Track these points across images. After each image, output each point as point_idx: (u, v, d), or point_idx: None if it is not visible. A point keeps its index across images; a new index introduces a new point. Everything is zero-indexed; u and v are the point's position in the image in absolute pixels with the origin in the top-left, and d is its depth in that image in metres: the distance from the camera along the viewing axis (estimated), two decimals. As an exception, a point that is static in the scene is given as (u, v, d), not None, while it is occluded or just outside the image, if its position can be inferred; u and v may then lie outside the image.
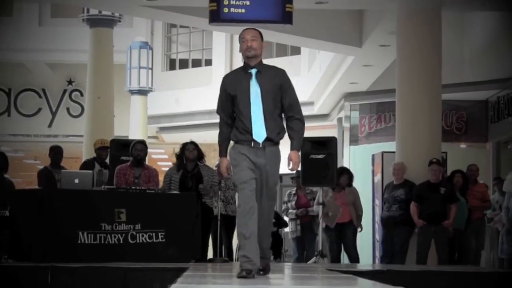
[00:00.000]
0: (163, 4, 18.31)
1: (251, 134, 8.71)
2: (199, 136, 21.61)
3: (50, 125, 30.60)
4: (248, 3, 14.00)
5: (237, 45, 12.72)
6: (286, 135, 9.47)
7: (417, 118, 16.48)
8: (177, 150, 15.43)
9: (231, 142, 9.09)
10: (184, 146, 15.11)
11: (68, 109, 30.78)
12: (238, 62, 27.96)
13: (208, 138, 25.12)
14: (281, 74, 8.91)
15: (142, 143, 16.03)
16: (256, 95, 8.65)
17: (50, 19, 29.86)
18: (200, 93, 28.90)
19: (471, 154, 22.64)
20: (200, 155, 15.11)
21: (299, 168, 14.36)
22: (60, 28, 29.36)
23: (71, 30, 28.14)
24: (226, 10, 14.30)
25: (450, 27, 19.40)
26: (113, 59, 26.59)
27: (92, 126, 24.50)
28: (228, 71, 28.47)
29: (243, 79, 8.82)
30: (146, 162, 15.90)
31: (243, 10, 14.00)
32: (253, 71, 8.79)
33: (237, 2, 14.08)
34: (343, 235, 16.33)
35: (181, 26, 29.56)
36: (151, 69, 29.26)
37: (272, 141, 8.82)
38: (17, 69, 30.40)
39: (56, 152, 15.78)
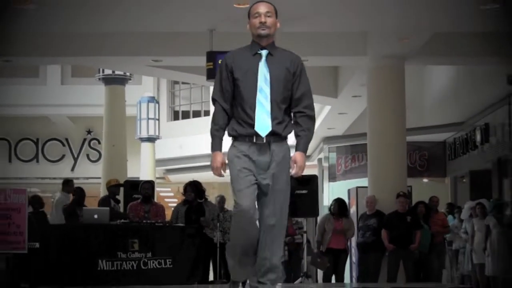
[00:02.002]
0: (167, 64, 18.36)
1: (253, 127, 6.32)
2: (201, 176, 21.50)
3: (72, 169, 30.61)
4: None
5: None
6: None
7: (386, 158, 16.56)
8: (181, 189, 15.50)
9: (229, 140, 6.67)
10: (184, 189, 15.18)
11: (87, 155, 30.79)
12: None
13: (209, 178, 25.10)
14: (296, 59, 6.49)
15: (149, 183, 16.15)
16: (265, 81, 6.32)
17: (71, 78, 29.92)
18: (200, 140, 28.87)
19: (432, 187, 22.66)
20: (201, 193, 15.15)
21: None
22: (79, 86, 29.42)
23: (89, 87, 28.20)
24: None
25: (412, 79, 19.48)
26: (125, 112, 26.68)
27: (108, 169, 24.54)
28: (223, 121, 28.70)
29: (251, 60, 6.42)
30: (155, 199, 15.93)
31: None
32: (264, 52, 6.41)
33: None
34: (338, 259, 16.25)
35: (183, 83, 29.65)
36: (158, 119, 29.34)
37: (279, 135, 6.39)
38: (43, 121, 30.42)
39: (79, 193, 15.82)
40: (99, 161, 28.35)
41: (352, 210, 19.50)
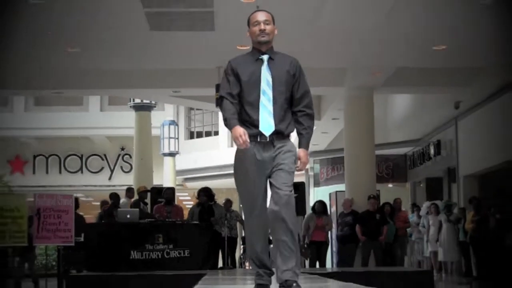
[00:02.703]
0: (184, 94, 18.38)
1: (257, 127, 5.58)
2: (211, 183, 21.52)
3: (109, 179, 30.57)
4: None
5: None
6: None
7: (359, 168, 16.59)
8: (196, 194, 15.56)
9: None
10: (198, 193, 15.23)
11: (121, 167, 30.74)
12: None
13: (218, 185, 25.18)
14: (294, 62, 5.80)
15: (171, 189, 16.25)
16: (267, 83, 5.62)
17: (108, 106, 29.92)
18: (211, 154, 29.02)
19: (395, 191, 22.65)
20: (211, 197, 15.20)
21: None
22: (115, 112, 29.42)
23: (122, 113, 28.21)
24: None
25: (380, 105, 19.53)
26: (151, 132, 26.70)
27: (138, 179, 24.51)
28: (229, 140, 28.75)
29: (253, 65, 5.71)
30: (175, 202, 15.96)
31: (239, 98, 14.03)
32: (265, 57, 5.72)
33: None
34: (320, 249, 16.26)
35: (197, 109, 29.63)
36: (177, 138, 29.36)
37: (282, 134, 5.66)
38: (86, 141, 30.42)
39: (115, 198, 15.84)
40: (130, 172, 28.31)
41: (333, 209, 19.51)
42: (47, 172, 30.85)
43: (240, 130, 5.37)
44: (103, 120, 29.36)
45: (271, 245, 5.81)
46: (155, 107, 26.84)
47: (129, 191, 16.85)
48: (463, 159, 19.65)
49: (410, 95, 21.33)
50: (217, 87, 14.40)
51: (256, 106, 5.51)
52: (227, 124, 5.55)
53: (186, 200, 31.25)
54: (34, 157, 31.04)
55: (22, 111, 29.64)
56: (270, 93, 5.54)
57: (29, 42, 13.41)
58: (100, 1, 11.21)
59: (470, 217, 16.60)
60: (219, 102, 5.67)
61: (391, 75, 16.06)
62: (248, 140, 5.43)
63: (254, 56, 5.71)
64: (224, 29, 12.05)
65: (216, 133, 29.95)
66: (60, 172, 30.90)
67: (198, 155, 29.51)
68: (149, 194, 16.51)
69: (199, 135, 31.15)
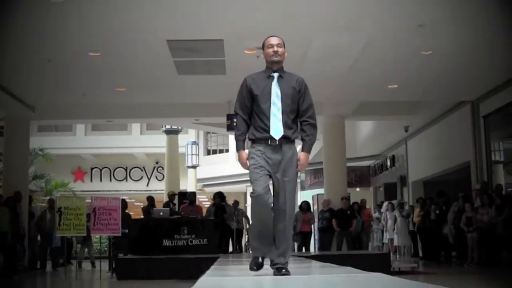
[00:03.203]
0: (203, 122, 18.42)
1: (269, 132, 5.22)
2: (223, 188, 21.58)
3: (147, 185, 30.56)
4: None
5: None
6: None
7: (333, 176, 16.56)
8: (212, 196, 15.59)
9: (249, 143, 5.47)
10: (213, 196, 15.25)
11: (156, 176, 30.73)
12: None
13: (228, 189, 25.20)
14: (300, 80, 5.42)
15: (193, 193, 16.27)
16: (277, 96, 5.26)
17: (146, 130, 29.94)
18: (223, 167, 29.04)
19: (362, 193, 22.62)
20: (223, 199, 15.24)
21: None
22: (151, 135, 29.43)
23: (157, 136, 28.22)
24: (235, 124, 14.32)
25: (350, 128, 19.56)
26: (178, 150, 26.71)
27: (168, 185, 24.50)
28: (237, 156, 28.77)
29: (265, 81, 5.36)
30: (196, 203, 15.98)
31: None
32: (275, 75, 5.37)
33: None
34: (306, 238, 16.26)
35: (213, 132, 29.70)
36: (198, 155, 29.36)
37: (288, 138, 5.26)
38: (130, 157, 30.43)
39: (151, 200, 15.86)
40: (163, 180, 28.33)
41: (315, 207, 19.51)
42: (100, 180, 30.84)
43: (244, 157, 5.16)
44: (143, 141, 29.39)
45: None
46: (181, 131, 26.88)
47: (149, 199, 16.71)
48: (411, 169, 19.69)
49: (372, 122, 21.42)
50: (228, 116, 14.46)
51: (268, 115, 5.16)
52: (236, 142, 5.28)
53: (204, 201, 31.26)
54: (91, 169, 31.04)
55: (82, 135, 29.71)
56: (279, 104, 5.17)
57: (87, 85, 13.49)
58: (139, 55, 11.28)
59: (417, 212, 16.64)
60: (235, 116, 5.34)
61: (357, 107, 16.11)
62: (248, 167, 5.19)
63: (266, 73, 5.34)
64: (233, 73, 12.08)
65: (227, 150, 30.00)
66: (110, 180, 30.88)
67: (213, 167, 29.54)
68: (176, 197, 16.54)
69: (214, 152, 31.17)
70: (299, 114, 5.30)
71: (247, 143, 5.28)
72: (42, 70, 12.03)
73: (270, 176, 5.14)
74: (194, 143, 29.39)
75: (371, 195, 23.92)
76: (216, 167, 29.49)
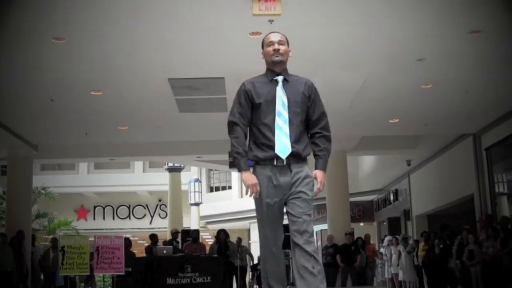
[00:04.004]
0: (205, 159, 18.41)
1: (273, 149, 4.08)
2: (226, 226, 21.51)
3: (150, 223, 30.44)
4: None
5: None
6: None
7: (337, 211, 16.49)
8: (215, 234, 15.46)
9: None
10: (217, 233, 15.13)
11: (159, 214, 30.66)
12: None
13: (231, 227, 25.10)
14: (309, 84, 4.36)
15: (196, 231, 16.13)
16: (283, 105, 4.14)
17: (149, 168, 29.94)
18: (226, 204, 28.93)
19: (366, 228, 22.53)
20: (226, 236, 15.13)
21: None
22: (154, 173, 29.43)
23: (159, 174, 28.20)
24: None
25: (352, 163, 19.53)
26: (181, 187, 26.68)
27: (172, 223, 24.36)
28: (239, 193, 28.69)
29: (268, 87, 4.23)
30: (200, 240, 15.87)
31: (246, 161, 13.95)
32: (279, 78, 4.25)
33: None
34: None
35: (215, 169, 29.66)
36: (201, 192, 29.30)
37: (298, 156, 4.13)
38: (133, 195, 30.42)
39: (154, 238, 15.76)
40: (166, 218, 28.24)
41: (319, 243, 19.41)
42: (104, 219, 30.76)
43: (251, 178, 4.04)
44: (145, 179, 29.40)
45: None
46: (183, 169, 26.86)
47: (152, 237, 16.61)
48: (415, 203, 19.60)
49: (374, 156, 21.39)
50: (230, 154, 14.43)
51: (271, 128, 4.11)
52: (236, 160, 4.11)
53: (208, 238, 31.09)
54: (94, 207, 31.00)
55: (85, 173, 29.72)
56: (285, 114, 4.14)
57: (90, 124, 13.52)
58: (140, 94, 11.33)
59: (422, 246, 16.48)
60: (229, 127, 4.20)
61: (359, 142, 16.11)
62: (259, 191, 4.07)
63: (268, 77, 4.28)
64: (234, 111, 12.10)
65: (230, 187, 29.93)
66: (113, 218, 30.81)
67: (216, 205, 29.45)
68: (180, 234, 16.42)
69: (217, 189, 31.08)
70: (309, 125, 4.31)
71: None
72: (44, 109, 12.07)
73: (283, 203, 4.14)
74: (197, 180, 29.35)
75: (375, 230, 23.80)
76: (219, 204, 29.39)
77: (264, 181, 4.10)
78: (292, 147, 4.11)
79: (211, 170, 30.58)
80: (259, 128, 4.14)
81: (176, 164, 25.66)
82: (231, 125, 4.19)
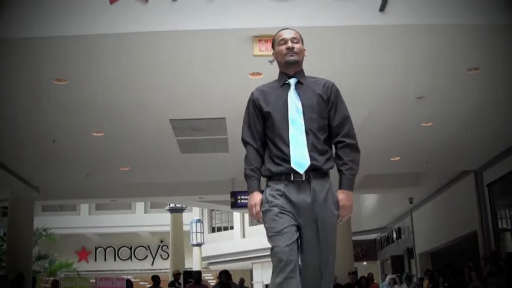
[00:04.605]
0: (206, 200, 18.37)
1: (289, 163, 3.46)
2: (228, 266, 21.35)
3: (152, 264, 30.27)
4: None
5: (246, 220, 12.83)
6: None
7: (339, 251, 16.14)
8: (217, 275, 15.30)
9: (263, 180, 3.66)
10: (219, 274, 14.96)
11: (161, 255, 30.52)
12: (248, 229, 27.96)
13: (233, 267, 24.88)
14: (329, 84, 3.68)
15: (198, 272, 15.96)
16: (296, 111, 3.54)
17: (150, 209, 29.89)
18: (228, 244, 28.75)
19: (369, 267, 22.34)
20: (229, 277, 14.97)
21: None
22: (155, 214, 29.36)
23: (161, 214, 28.12)
24: (239, 201, 14.26)
25: (354, 202, 19.41)
26: (183, 228, 26.53)
27: (174, 264, 24.22)
28: (241, 233, 28.53)
29: (279, 92, 3.64)
30: (202, 281, 15.70)
31: (247, 201, 13.92)
32: (292, 80, 3.64)
33: (243, 196, 14.06)
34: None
35: (217, 210, 29.57)
36: (202, 232, 29.19)
37: (319, 170, 3.48)
38: (134, 236, 30.29)
39: (156, 279, 15.60)
40: (168, 259, 28.07)
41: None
42: (105, 260, 30.59)
43: (256, 198, 3.47)
44: (147, 220, 29.33)
45: None
46: (185, 209, 26.80)
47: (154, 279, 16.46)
48: (418, 241, 19.47)
49: (376, 194, 21.33)
50: (232, 194, 14.39)
51: (285, 138, 3.50)
52: (247, 180, 3.59)
53: (210, 279, 30.86)
54: (96, 248, 30.85)
55: (86, 214, 29.67)
56: (301, 122, 3.51)
57: (91, 165, 13.51)
58: (142, 135, 11.33)
59: (426, 285, 16.32)
60: (243, 144, 3.68)
61: (361, 180, 16.05)
62: (261, 214, 3.47)
63: (280, 81, 3.70)
64: (236, 151, 12.03)
65: (232, 227, 29.81)
66: (115, 260, 30.64)
67: (218, 245, 29.29)
68: (182, 276, 16.27)
69: (219, 229, 30.94)
70: (331, 133, 3.64)
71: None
72: (46, 150, 12.07)
73: (297, 228, 3.43)
74: (199, 221, 29.25)
75: (378, 269, 23.60)
76: (221, 244, 29.22)
77: (276, 195, 3.44)
78: (311, 159, 3.45)
79: (212, 210, 30.49)
80: (272, 140, 3.55)
81: (177, 205, 25.59)
82: (244, 144, 3.67)
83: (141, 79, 8.57)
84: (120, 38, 7.12)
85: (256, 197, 3.49)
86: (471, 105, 10.26)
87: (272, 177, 3.51)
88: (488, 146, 13.04)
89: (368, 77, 8.92)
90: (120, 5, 6.91)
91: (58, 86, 8.57)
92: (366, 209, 23.27)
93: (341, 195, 3.52)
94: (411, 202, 19.09)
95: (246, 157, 3.63)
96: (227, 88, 9.03)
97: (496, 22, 7.06)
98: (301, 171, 3.43)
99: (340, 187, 3.54)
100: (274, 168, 3.49)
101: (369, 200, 22.77)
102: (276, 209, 3.41)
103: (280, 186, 3.45)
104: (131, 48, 7.48)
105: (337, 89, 3.71)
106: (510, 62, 8.28)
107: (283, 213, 3.40)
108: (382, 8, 6.90)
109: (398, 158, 13.76)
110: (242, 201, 14.00)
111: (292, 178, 3.44)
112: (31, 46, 7.24)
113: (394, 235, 21.28)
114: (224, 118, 10.44)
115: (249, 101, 3.72)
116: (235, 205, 14.18)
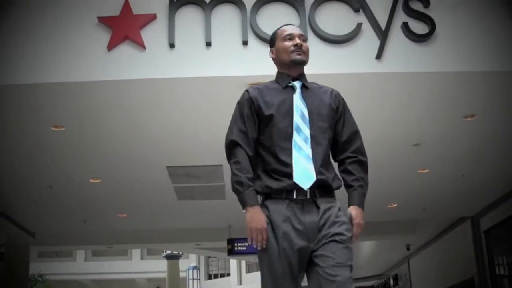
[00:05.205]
0: (203, 247, 18.16)
1: (291, 177, 2.86)
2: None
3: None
4: (247, 243, 13.74)
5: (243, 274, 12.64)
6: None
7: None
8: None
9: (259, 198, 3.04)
10: None
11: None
12: (245, 276, 27.60)
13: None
14: (336, 93, 3.24)
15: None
16: (302, 118, 2.97)
17: (147, 255, 29.69)
18: (225, 289, 28.43)
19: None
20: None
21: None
22: (152, 260, 29.17)
23: (157, 261, 27.94)
24: (236, 248, 14.08)
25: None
26: (179, 275, 26.26)
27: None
28: (238, 281, 28.16)
29: (281, 94, 3.06)
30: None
31: (244, 248, 13.77)
32: (297, 84, 3.10)
33: (240, 243, 13.87)
34: None
35: (213, 257, 29.26)
36: (199, 279, 28.92)
37: (326, 187, 2.93)
38: (131, 282, 29.98)
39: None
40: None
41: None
42: (101, 307, 30.14)
43: (258, 221, 2.84)
44: (143, 266, 29.06)
45: None
46: (182, 256, 26.53)
47: None
48: (415, 288, 19.23)
49: (373, 241, 21.11)
50: (228, 241, 14.20)
51: (288, 148, 2.97)
52: (238, 191, 2.99)
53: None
54: (92, 295, 30.41)
55: (82, 261, 29.39)
56: (306, 130, 2.99)
57: (88, 212, 13.36)
58: (139, 182, 11.23)
59: (424, 333, 16.03)
60: (228, 150, 3.14)
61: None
62: (266, 241, 2.86)
63: (282, 82, 3.15)
64: (232, 198, 11.86)
65: (228, 274, 29.55)
66: (111, 305, 30.23)
67: (214, 291, 28.97)
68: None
69: (216, 276, 30.64)
70: (338, 149, 3.18)
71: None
72: (43, 196, 11.93)
73: (308, 252, 2.87)
74: (195, 267, 28.96)
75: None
76: (217, 291, 28.90)
77: (278, 221, 2.89)
78: (317, 173, 2.94)
79: (209, 257, 30.21)
80: (270, 150, 3.00)
81: (174, 252, 25.34)
82: (230, 146, 3.11)
83: (138, 126, 8.52)
84: (117, 84, 7.07)
85: (260, 216, 2.83)
86: (467, 151, 10.21)
87: (270, 195, 2.96)
88: (484, 193, 12.95)
89: (365, 124, 8.80)
90: (117, 52, 6.90)
91: (56, 132, 8.50)
92: (363, 255, 23.00)
93: (355, 211, 3.05)
94: (408, 249, 18.88)
95: (237, 161, 3.01)
96: (223, 135, 8.95)
97: (492, 69, 7.05)
98: (305, 186, 2.90)
99: (350, 204, 3.09)
100: (274, 184, 2.93)
101: (366, 246, 22.52)
102: (275, 250, 2.83)
103: (281, 208, 2.89)
104: (128, 94, 7.44)
105: (344, 99, 3.28)
106: (506, 109, 8.27)
107: (285, 258, 2.82)
108: (378, 56, 6.89)
109: (395, 205, 13.64)
110: (239, 248, 13.80)
111: (294, 196, 2.90)
112: (28, 92, 7.19)
113: (391, 282, 20.99)
114: (221, 165, 10.36)
115: (242, 100, 3.16)
116: (232, 252, 13.98)
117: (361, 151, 3.18)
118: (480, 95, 7.80)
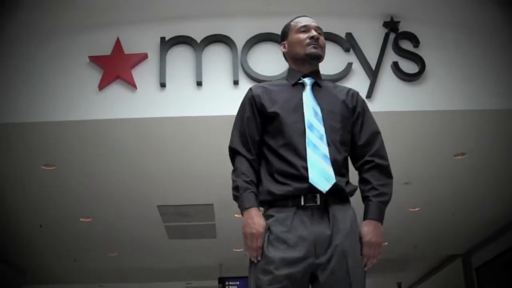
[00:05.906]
0: (194, 286, 17.90)
1: (304, 179, 2.35)
2: None
3: None
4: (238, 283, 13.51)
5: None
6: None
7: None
8: None
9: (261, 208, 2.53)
10: None
11: None
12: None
13: None
14: (354, 92, 2.75)
15: None
16: (315, 115, 2.49)
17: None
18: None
19: None
20: None
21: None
22: None
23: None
24: (227, 287, 13.73)
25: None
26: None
27: None
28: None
29: (289, 91, 2.61)
30: None
31: (236, 287, 13.51)
32: (308, 80, 2.64)
33: (231, 283, 13.63)
34: None
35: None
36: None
37: (341, 192, 2.47)
38: None
39: None
40: None
41: None
42: None
43: (255, 226, 2.41)
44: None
45: None
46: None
47: None
48: (407, 327, 18.97)
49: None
50: (220, 280, 13.97)
51: (298, 147, 2.53)
52: (238, 193, 2.54)
53: None
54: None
55: (73, 300, 28.73)
56: (320, 127, 2.58)
57: (79, 251, 13.15)
58: (130, 220, 11.06)
59: None
60: (231, 159, 2.74)
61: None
62: (260, 252, 2.41)
63: (292, 79, 2.76)
64: (223, 237, 11.86)
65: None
66: None
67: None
68: None
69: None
70: (356, 152, 2.77)
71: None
72: (33, 235, 11.76)
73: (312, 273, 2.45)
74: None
75: None
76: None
77: (279, 232, 2.43)
78: (335, 176, 2.52)
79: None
80: (276, 150, 2.57)
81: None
82: (231, 156, 2.72)
83: (129, 165, 8.41)
84: (108, 124, 6.98)
85: (256, 219, 2.38)
86: (458, 190, 10.15)
87: (273, 202, 2.49)
88: (475, 230, 12.87)
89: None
90: (109, 92, 6.83)
91: (47, 171, 8.38)
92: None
93: (366, 228, 2.57)
94: (399, 287, 18.68)
95: (234, 169, 2.63)
96: (215, 174, 8.84)
97: (483, 108, 7.01)
98: (324, 189, 2.45)
99: (366, 217, 2.60)
100: (278, 189, 2.48)
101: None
102: (271, 272, 2.34)
103: (287, 216, 2.43)
104: (120, 134, 7.34)
105: (364, 100, 2.85)
106: (496, 147, 8.23)
107: (285, 274, 2.34)
108: (369, 95, 6.83)
109: (386, 243, 13.41)
110: (231, 287, 13.54)
111: (302, 203, 2.44)
112: (19, 131, 7.09)
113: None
114: (212, 205, 10.27)
115: (244, 101, 2.76)
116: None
117: (379, 154, 2.75)
118: (470, 133, 7.75)
